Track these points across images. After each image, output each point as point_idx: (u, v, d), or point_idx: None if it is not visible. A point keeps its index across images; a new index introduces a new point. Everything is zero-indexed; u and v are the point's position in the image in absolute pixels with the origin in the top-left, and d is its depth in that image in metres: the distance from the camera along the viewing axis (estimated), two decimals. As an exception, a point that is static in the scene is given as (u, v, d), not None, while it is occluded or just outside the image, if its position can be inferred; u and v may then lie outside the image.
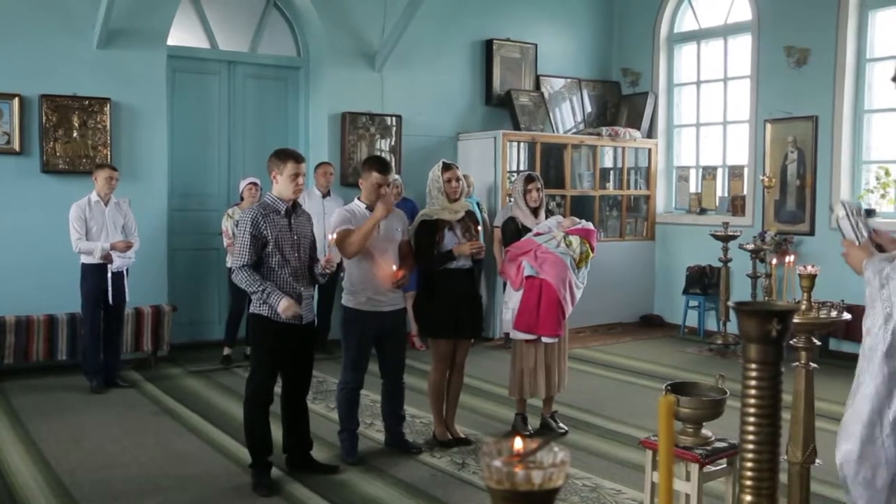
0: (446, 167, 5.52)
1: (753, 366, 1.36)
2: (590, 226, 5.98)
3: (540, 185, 5.97)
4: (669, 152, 10.53)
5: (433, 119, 9.60)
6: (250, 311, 4.91)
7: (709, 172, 9.99)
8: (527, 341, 5.72)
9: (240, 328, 7.76)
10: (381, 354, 5.40)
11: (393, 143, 9.35)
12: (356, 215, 5.22)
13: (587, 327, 9.32)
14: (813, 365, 3.67)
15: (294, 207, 4.94)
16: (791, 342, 3.71)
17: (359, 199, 5.35)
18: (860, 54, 8.56)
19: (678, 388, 4.12)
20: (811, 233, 8.72)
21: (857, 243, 3.23)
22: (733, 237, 8.53)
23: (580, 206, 9.69)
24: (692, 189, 10.18)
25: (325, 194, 8.37)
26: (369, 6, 9.18)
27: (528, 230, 5.82)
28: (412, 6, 8.79)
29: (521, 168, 9.83)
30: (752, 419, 1.35)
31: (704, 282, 9.40)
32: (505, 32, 10.08)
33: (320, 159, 8.56)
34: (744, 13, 9.51)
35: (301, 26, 9.22)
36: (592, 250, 5.84)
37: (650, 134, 10.44)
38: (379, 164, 5.32)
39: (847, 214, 3.28)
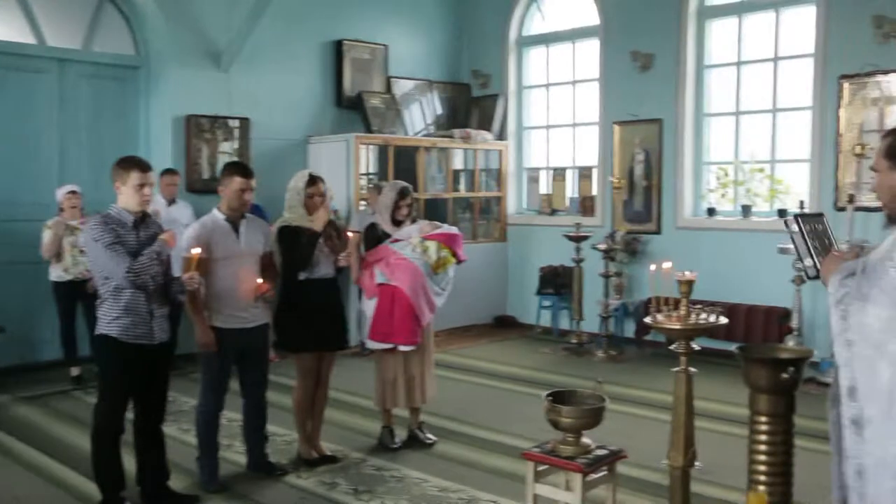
0: (312, 181, 5.27)
1: (764, 419, 1.23)
2: (454, 230, 5.88)
3: (411, 201, 5.79)
4: (520, 154, 10.63)
5: (282, 122, 9.27)
6: (96, 331, 4.49)
7: (559, 174, 10.15)
8: (386, 351, 5.57)
9: (78, 343, 7.28)
10: (242, 373, 5.09)
11: (240, 146, 8.95)
12: (214, 230, 4.88)
13: (442, 331, 9.23)
14: (692, 370, 3.69)
15: (143, 220, 4.56)
16: (671, 348, 3.72)
17: (218, 208, 5.02)
18: (700, 61, 8.90)
19: (557, 397, 4.06)
20: (658, 231, 8.99)
21: (812, 256, 2.98)
22: (585, 237, 8.68)
23: (433, 209, 9.61)
24: (542, 190, 10.31)
25: (171, 202, 7.91)
26: (214, 3, 8.76)
27: (389, 236, 5.66)
28: (260, 4, 8.45)
29: (373, 171, 9.66)
30: (762, 476, 1.22)
31: (557, 282, 9.52)
32: (355, 33, 9.87)
33: (164, 166, 8.06)
34: (591, 18, 9.70)
35: (139, 23, 8.67)
36: (456, 256, 5.74)
37: (501, 136, 10.50)
38: (241, 169, 5.02)
39: (800, 229, 3.02)
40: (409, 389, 5.61)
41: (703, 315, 3.63)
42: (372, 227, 5.75)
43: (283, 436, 5.77)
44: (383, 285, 5.52)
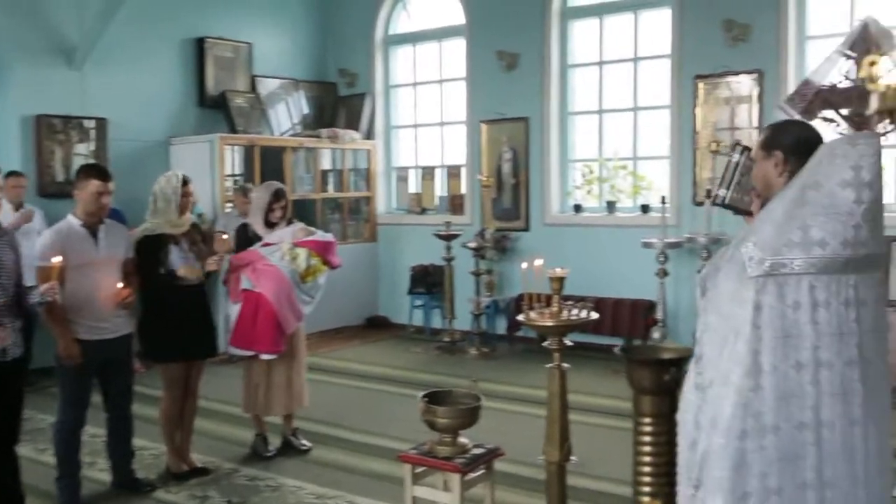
0: (187, 181, 5.11)
1: (648, 420, 1.21)
2: (328, 237, 5.76)
3: (285, 203, 5.66)
4: (388, 153, 10.59)
5: (142, 122, 8.91)
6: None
7: (427, 173, 10.17)
8: (252, 357, 5.42)
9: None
10: (104, 386, 4.84)
11: (97, 148, 8.54)
12: (70, 237, 4.62)
13: (314, 333, 9.05)
14: (565, 365, 3.73)
15: (-5, 229, 4.27)
16: (544, 344, 3.76)
17: (73, 213, 4.75)
18: (563, 60, 9.09)
19: (433, 398, 4.04)
20: (526, 228, 9.13)
21: (729, 188, 3.10)
22: (455, 236, 8.72)
23: (302, 211, 9.43)
24: (412, 189, 10.31)
25: (18, 207, 7.47)
26: (61, -3, 8.32)
27: (260, 238, 5.51)
28: (114, -1, 8.09)
29: (238, 173, 9.43)
30: (647, 478, 1.20)
31: (428, 281, 9.53)
32: (217, 31, 9.58)
33: (12, 168, 7.59)
34: (456, 18, 9.75)
35: (-20, 16, 8.14)
36: (330, 263, 5.63)
37: (369, 135, 10.43)
38: (97, 171, 4.76)
39: (738, 161, 3.13)
40: (277, 396, 5.47)
41: (575, 311, 3.68)
42: (243, 228, 5.60)
43: (149, 449, 5.53)
44: (248, 291, 5.37)
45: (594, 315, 3.71)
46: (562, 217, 9.00)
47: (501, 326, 9.01)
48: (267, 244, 5.48)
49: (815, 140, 2.75)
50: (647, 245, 7.66)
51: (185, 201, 5.09)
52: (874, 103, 6.18)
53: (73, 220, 4.71)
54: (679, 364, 1.02)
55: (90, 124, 8.50)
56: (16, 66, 8.07)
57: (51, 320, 4.55)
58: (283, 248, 5.42)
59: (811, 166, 2.60)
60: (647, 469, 1.03)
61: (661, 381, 1.04)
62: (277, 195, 5.59)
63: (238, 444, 5.72)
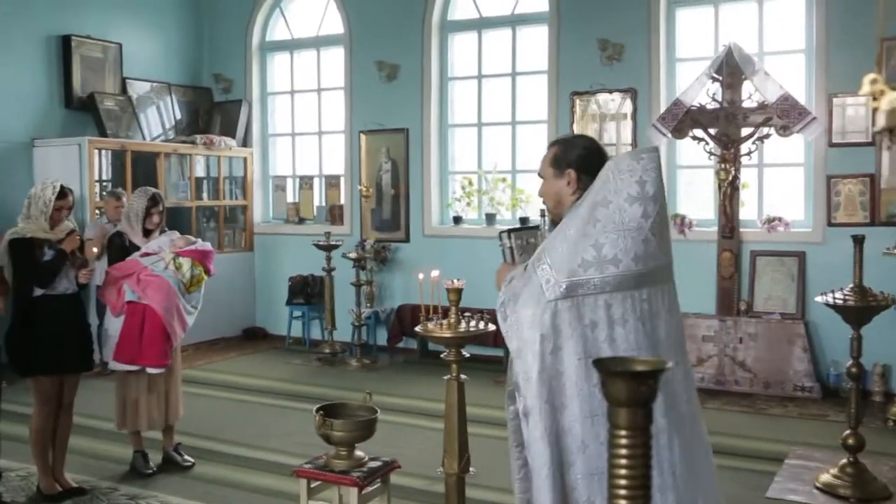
0: (62, 194, 4.82)
1: (624, 433, 1.22)
2: (207, 246, 5.61)
3: (163, 209, 5.46)
4: (265, 161, 10.40)
5: (3, 122, 8.41)
6: None
7: (306, 182, 10.05)
8: (129, 371, 5.20)
9: None
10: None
11: (-47, 148, 8.04)
12: None
13: (189, 345, 8.80)
14: (463, 377, 3.75)
15: None
16: (442, 356, 3.77)
17: (-68, 218, 4.45)
18: (443, 73, 9.17)
19: (328, 411, 3.99)
20: (407, 240, 9.15)
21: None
22: (335, 246, 8.64)
23: (176, 218, 9.13)
24: (290, 199, 10.15)
25: None
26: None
27: (137, 248, 5.30)
28: (-27, -9, 7.64)
29: (107, 178, 9.06)
30: (624, 490, 1.21)
31: (307, 291, 9.41)
32: (84, 29, 9.17)
33: None
34: (335, 27, 9.69)
35: None
36: (208, 272, 5.49)
37: (245, 143, 10.22)
38: None
39: (511, 245, 3.10)
40: (156, 409, 5.26)
41: (473, 322, 3.71)
42: (118, 237, 5.36)
43: (16, 470, 5.21)
44: (133, 303, 5.14)
45: (491, 326, 3.74)
46: (442, 228, 9.06)
47: (382, 337, 8.98)
48: (146, 254, 5.27)
49: (600, 155, 2.81)
50: (526, 257, 7.79)
51: (57, 215, 4.83)
52: (881, 120, 6.53)
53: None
54: (656, 375, 1.04)
55: (-55, 124, 7.99)
56: None
57: None
58: (165, 257, 5.23)
59: (599, 183, 2.63)
60: (623, 482, 1.04)
61: (638, 392, 1.06)
62: (154, 200, 5.40)
63: (115, 462, 5.45)
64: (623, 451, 1.18)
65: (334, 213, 9.65)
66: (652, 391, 1.14)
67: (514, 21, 8.81)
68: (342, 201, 9.65)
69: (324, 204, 9.83)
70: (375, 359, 8.63)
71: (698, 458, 2.71)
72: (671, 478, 2.60)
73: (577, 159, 2.78)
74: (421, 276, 3.88)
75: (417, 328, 3.77)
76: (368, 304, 8.84)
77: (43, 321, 4.76)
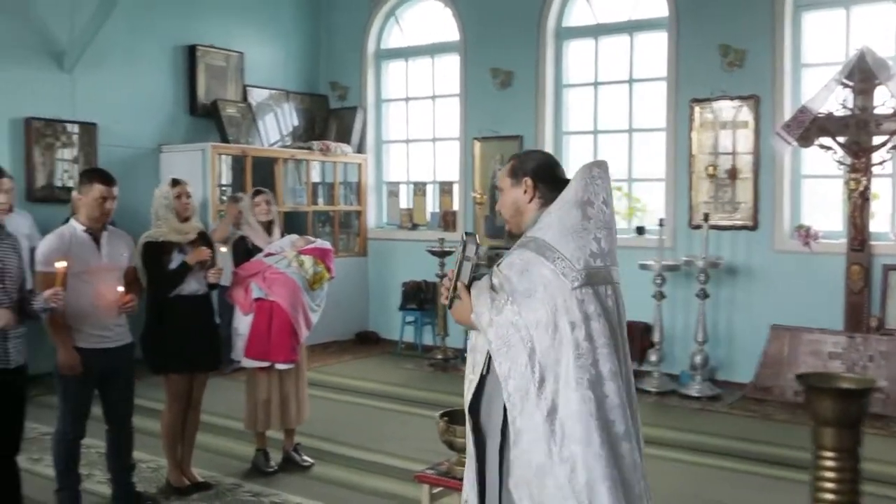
0: (176, 182, 5.03)
1: (830, 454, 1.14)
2: (326, 245, 5.72)
3: (270, 199, 5.63)
4: (379, 167, 10.53)
5: (133, 128, 8.77)
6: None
7: (419, 188, 10.11)
8: (260, 370, 5.32)
9: None
10: (105, 397, 4.69)
11: (87, 153, 8.39)
12: (73, 242, 4.49)
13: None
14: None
15: (-4, 231, 4.16)
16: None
17: (75, 218, 4.64)
18: (558, 80, 9.10)
19: (451, 417, 3.97)
20: (519, 247, 9.08)
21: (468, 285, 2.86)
22: (449, 252, 8.66)
23: (293, 222, 9.34)
24: (403, 204, 10.25)
25: (7, 211, 7.29)
26: (55, -2, 8.19)
27: (260, 250, 5.43)
28: (108, 2, 7.97)
29: (228, 183, 9.31)
30: None
31: (420, 297, 9.47)
32: (209, 39, 9.48)
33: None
34: (451, 34, 9.74)
35: (-31, 16, 7.99)
36: (329, 271, 5.58)
37: (360, 149, 10.37)
38: (101, 175, 4.62)
39: (476, 252, 2.87)
40: (284, 410, 5.38)
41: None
42: (241, 241, 5.50)
43: (147, 462, 5.39)
44: (260, 301, 5.28)
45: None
46: (555, 236, 8.97)
47: (489, 344, 8.94)
48: (270, 254, 5.39)
49: (555, 167, 2.95)
50: (644, 267, 7.65)
51: (179, 203, 5.00)
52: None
53: (76, 226, 4.59)
54: (863, 395, 0.95)
55: (80, 129, 8.35)
56: (5, 67, 7.91)
57: (52, 328, 4.43)
58: (288, 255, 5.35)
59: (579, 186, 2.75)
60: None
61: (847, 412, 0.98)
62: (255, 192, 5.65)
63: (239, 459, 5.59)
64: (829, 475, 1.11)
65: (447, 220, 9.68)
66: (861, 411, 1.07)
67: (632, 27, 8.67)
68: (455, 207, 9.67)
69: (437, 210, 9.88)
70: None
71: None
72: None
73: (534, 168, 2.89)
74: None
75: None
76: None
77: (174, 321, 4.91)
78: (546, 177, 2.87)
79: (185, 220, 5.02)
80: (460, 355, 8.79)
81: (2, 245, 4.14)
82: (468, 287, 2.82)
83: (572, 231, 2.69)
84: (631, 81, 8.72)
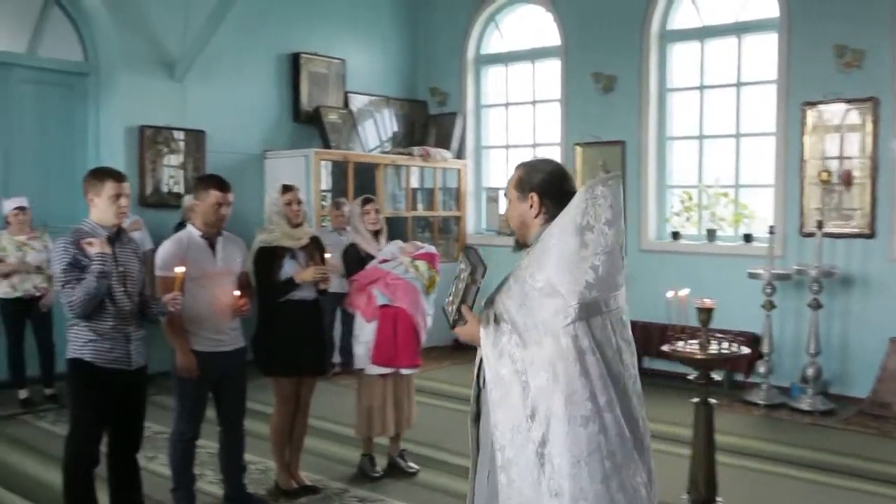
0: (286, 189, 5.07)
1: None
2: (432, 249, 5.70)
3: (379, 207, 5.66)
4: (478, 173, 10.52)
5: (239, 135, 8.98)
6: (68, 355, 4.18)
7: (519, 195, 10.03)
8: (379, 375, 5.32)
9: (26, 364, 7.01)
10: (219, 399, 4.79)
11: (196, 159, 8.62)
12: (190, 247, 4.60)
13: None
14: (712, 400, 3.57)
15: (118, 234, 4.28)
16: (689, 378, 3.61)
17: (191, 224, 4.75)
18: (662, 84, 8.92)
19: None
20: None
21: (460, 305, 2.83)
22: (549, 259, 8.56)
23: (393, 228, 9.35)
24: (502, 210, 10.19)
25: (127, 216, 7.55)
26: (168, 10, 8.45)
27: (372, 257, 5.45)
28: (218, 13, 8.17)
29: (329, 188, 9.43)
30: None
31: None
32: (312, 46, 9.64)
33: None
34: (551, 38, 9.65)
35: (89, 28, 8.29)
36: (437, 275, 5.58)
37: (459, 154, 10.37)
38: (217, 182, 4.71)
39: (472, 274, 2.76)
40: (398, 415, 5.39)
41: (725, 344, 3.52)
42: (352, 248, 5.53)
43: (256, 464, 5.47)
44: (385, 307, 5.28)
45: (744, 349, 3.54)
46: (659, 244, 8.81)
47: (593, 353, 8.82)
48: (384, 260, 5.40)
49: (564, 180, 2.85)
50: (753, 276, 7.42)
51: (290, 210, 5.04)
52: None
53: (192, 231, 4.70)
54: None
55: (190, 136, 8.58)
56: (120, 77, 8.19)
57: (170, 331, 4.54)
58: (403, 261, 5.35)
59: (578, 210, 2.66)
60: None
61: None
62: (365, 200, 5.63)
63: (344, 464, 5.63)
64: None
65: (546, 226, 9.58)
66: None
67: (739, 28, 8.43)
68: (555, 214, 9.57)
69: (536, 216, 9.79)
70: (587, 374, 8.47)
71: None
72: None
73: (541, 183, 2.81)
74: (670, 293, 3.73)
75: (665, 347, 3.63)
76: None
77: (283, 325, 4.97)
78: (553, 191, 2.79)
79: (297, 225, 5.08)
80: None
81: (124, 249, 4.27)
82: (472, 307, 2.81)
83: (568, 262, 2.63)
84: (739, 85, 8.48)
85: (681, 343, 3.56)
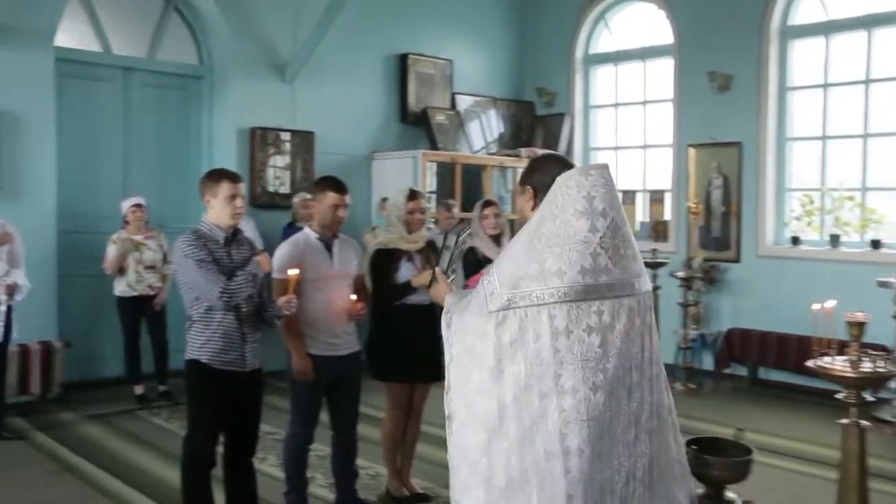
0: (412, 196, 4.95)
1: None
2: None
3: (499, 211, 5.54)
4: (586, 175, 10.27)
5: (347, 136, 8.99)
6: (186, 356, 4.18)
7: (628, 197, 9.77)
8: None
9: (142, 361, 7.20)
10: (332, 404, 4.74)
11: (305, 160, 8.67)
12: (307, 250, 4.56)
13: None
14: (864, 423, 3.32)
15: (234, 235, 4.26)
16: (838, 396, 3.36)
17: (309, 226, 4.71)
18: (782, 82, 8.54)
19: (700, 444, 3.70)
20: (737, 260, 8.60)
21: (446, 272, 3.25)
22: (662, 264, 8.30)
23: (499, 230, 9.26)
24: (610, 213, 9.94)
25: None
26: (279, 14, 8.52)
27: (490, 261, 5.31)
28: (328, 16, 8.21)
29: (431, 190, 9.35)
30: None
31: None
32: (419, 47, 9.59)
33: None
34: (664, 37, 9.36)
35: (204, 32, 8.44)
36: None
37: (567, 156, 10.16)
38: (334, 183, 4.65)
39: (456, 243, 3.23)
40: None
41: (881, 363, 3.26)
42: (470, 252, 5.41)
43: (367, 469, 5.41)
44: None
45: (899, 367, 3.28)
46: (777, 249, 8.42)
47: (707, 362, 8.52)
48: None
49: (557, 173, 2.75)
50: (882, 284, 6.99)
51: (410, 218, 4.94)
52: None
53: (309, 233, 4.66)
54: None
55: (300, 137, 8.64)
56: (233, 79, 8.31)
57: (286, 334, 4.51)
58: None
59: (548, 200, 2.66)
60: None
61: None
62: (486, 203, 5.53)
63: (455, 471, 5.51)
64: None
65: (658, 230, 9.31)
66: None
67: (870, 22, 7.98)
68: (667, 217, 9.28)
69: (647, 219, 9.52)
70: (701, 384, 8.17)
71: (663, 470, 2.72)
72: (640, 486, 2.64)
73: (538, 178, 2.83)
74: (816, 306, 3.48)
75: (810, 363, 3.39)
76: (695, 326, 8.41)
77: (398, 329, 4.89)
78: (547, 187, 2.74)
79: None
80: (671, 372, 8.44)
81: (241, 251, 4.25)
82: (446, 272, 3.15)
83: (513, 253, 2.67)
84: (867, 82, 8.03)
85: (827, 359, 3.31)
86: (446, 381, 2.77)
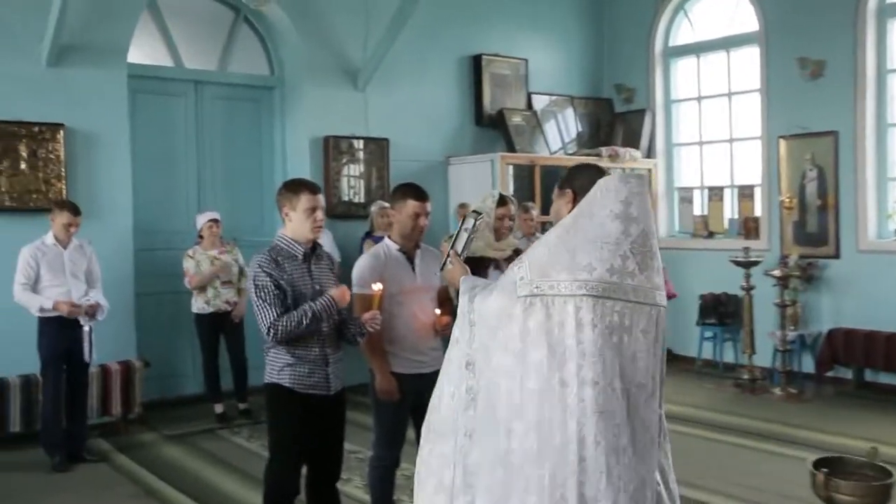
0: (502, 201, 4.68)
1: None
2: None
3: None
4: (670, 172, 9.88)
5: (421, 142, 8.78)
6: (266, 380, 3.99)
7: (715, 193, 9.35)
8: None
9: (221, 379, 7.08)
10: (418, 424, 4.47)
11: (380, 168, 8.49)
12: (388, 262, 4.32)
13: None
14: None
15: (313, 250, 4.06)
16: None
17: (389, 237, 4.48)
18: (881, 65, 8.03)
19: (830, 466, 3.35)
20: (836, 255, 8.11)
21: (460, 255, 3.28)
22: (755, 262, 7.87)
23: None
24: (697, 211, 9.53)
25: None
26: (350, 20, 8.35)
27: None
28: (399, 20, 7.98)
29: (511, 193, 9.07)
30: None
31: (720, 311, 8.73)
32: (493, 47, 9.33)
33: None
34: (748, 24, 8.92)
35: (274, 42, 8.34)
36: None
37: (649, 153, 9.79)
38: (414, 190, 4.38)
39: (474, 227, 3.27)
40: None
41: None
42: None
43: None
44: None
45: None
46: (881, 243, 7.91)
47: (807, 364, 8.05)
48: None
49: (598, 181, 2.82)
50: None
51: (500, 224, 4.69)
52: None
53: (390, 245, 4.42)
54: None
55: (374, 145, 8.45)
56: (305, 89, 8.17)
57: (369, 352, 4.28)
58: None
59: (587, 199, 2.74)
60: None
61: None
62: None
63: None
64: None
65: (748, 227, 8.85)
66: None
67: (976, -2, 7.45)
68: (758, 213, 8.82)
69: (736, 216, 9.08)
70: (802, 388, 7.72)
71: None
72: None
73: (578, 183, 2.87)
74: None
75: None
76: (793, 327, 7.95)
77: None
78: (586, 191, 2.79)
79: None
80: (768, 375, 8.01)
81: (319, 265, 4.06)
82: (460, 255, 3.24)
83: (547, 243, 2.76)
84: (975, 61, 7.49)
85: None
86: (469, 357, 2.83)
